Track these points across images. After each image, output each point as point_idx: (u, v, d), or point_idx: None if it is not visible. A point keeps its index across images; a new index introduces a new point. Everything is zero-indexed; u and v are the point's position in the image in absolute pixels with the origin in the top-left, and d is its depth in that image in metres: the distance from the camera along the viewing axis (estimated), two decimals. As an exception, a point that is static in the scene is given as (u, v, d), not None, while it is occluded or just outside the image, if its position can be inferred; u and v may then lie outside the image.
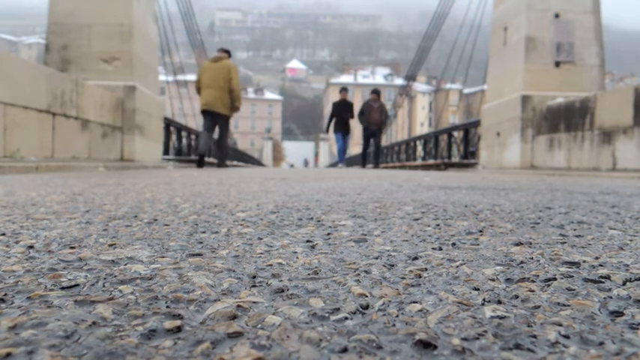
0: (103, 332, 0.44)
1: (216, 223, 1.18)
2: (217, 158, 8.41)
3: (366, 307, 0.53)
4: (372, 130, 11.48)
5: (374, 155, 12.16)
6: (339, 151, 12.26)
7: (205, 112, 7.70)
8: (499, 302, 0.55)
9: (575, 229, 1.14)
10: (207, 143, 7.92)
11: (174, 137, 11.48)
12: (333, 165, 33.03)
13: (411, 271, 0.71)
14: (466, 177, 4.72)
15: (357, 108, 11.98)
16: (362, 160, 12.24)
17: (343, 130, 11.92)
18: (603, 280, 0.65)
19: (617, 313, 0.51)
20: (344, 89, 12.02)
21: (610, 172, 5.46)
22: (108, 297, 0.55)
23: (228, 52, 8.01)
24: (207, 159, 8.99)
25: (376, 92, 11.74)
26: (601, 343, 0.43)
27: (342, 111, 11.62)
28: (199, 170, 6.43)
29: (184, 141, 12.54)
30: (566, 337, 0.44)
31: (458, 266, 0.74)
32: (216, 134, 8.27)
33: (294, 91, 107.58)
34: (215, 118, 7.74)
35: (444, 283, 0.64)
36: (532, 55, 7.72)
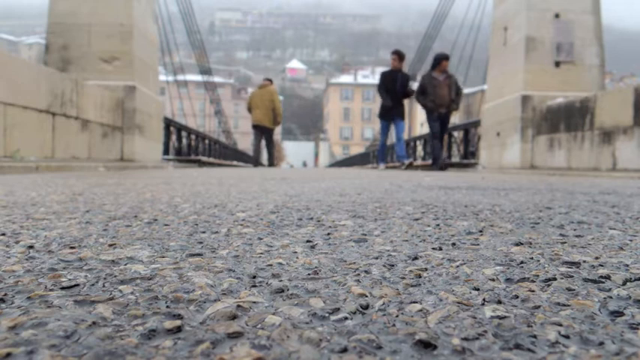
0: (103, 332, 0.44)
1: (216, 223, 1.18)
2: (268, 160, 11.01)
3: (366, 307, 0.53)
4: (441, 115, 8.05)
5: (437, 149, 8.42)
6: (398, 145, 8.61)
7: (256, 127, 10.16)
8: (499, 302, 0.55)
9: (575, 229, 1.14)
10: (258, 149, 10.41)
11: (174, 137, 11.48)
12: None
13: (411, 271, 0.71)
14: (466, 177, 4.72)
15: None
16: (433, 154, 8.48)
17: (398, 113, 8.49)
18: (603, 280, 0.65)
19: (617, 313, 0.51)
20: (396, 53, 8.60)
21: (610, 172, 5.46)
22: (108, 297, 0.55)
23: (270, 81, 10.49)
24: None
25: (445, 58, 8.08)
26: (601, 343, 0.43)
27: (395, 84, 8.35)
28: (199, 170, 6.48)
29: (184, 141, 12.54)
30: (566, 337, 0.44)
31: (458, 266, 0.74)
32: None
33: (294, 91, 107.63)
34: (262, 131, 10.16)
35: (444, 283, 0.64)
36: (532, 55, 7.72)
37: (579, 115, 6.58)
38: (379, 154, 9.41)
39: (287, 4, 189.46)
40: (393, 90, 8.46)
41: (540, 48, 7.73)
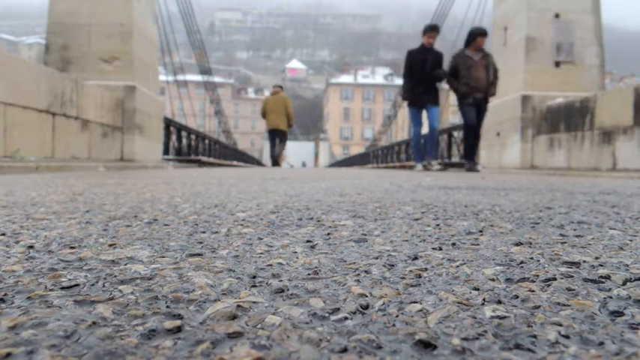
0: (103, 332, 0.44)
1: (216, 223, 1.18)
2: (274, 158, 11.82)
3: (366, 307, 0.53)
4: (477, 100, 6.71)
5: (470, 145, 7.04)
6: (419, 137, 7.37)
7: (271, 130, 11.17)
8: (499, 302, 0.55)
9: (575, 229, 1.14)
10: (274, 149, 11.39)
11: (174, 137, 11.49)
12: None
13: (411, 271, 0.71)
14: (466, 177, 4.72)
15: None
16: (465, 152, 7.16)
17: (431, 98, 7.18)
18: (603, 280, 0.65)
19: (617, 313, 0.51)
20: (432, 28, 7.22)
21: (610, 172, 5.46)
22: (108, 297, 0.55)
23: (281, 87, 11.55)
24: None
25: (482, 33, 6.75)
26: (601, 343, 0.43)
27: (424, 65, 7.04)
28: (199, 170, 6.49)
29: (184, 141, 12.55)
30: (566, 337, 0.44)
31: (458, 266, 0.74)
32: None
33: (294, 91, 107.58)
34: (276, 133, 11.14)
35: (444, 283, 0.64)
36: (532, 55, 7.72)
37: (579, 115, 6.58)
38: (414, 150, 7.66)
39: (287, 4, 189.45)
40: (423, 72, 7.08)
41: (540, 48, 7.73)
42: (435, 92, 7.29)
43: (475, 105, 6.72)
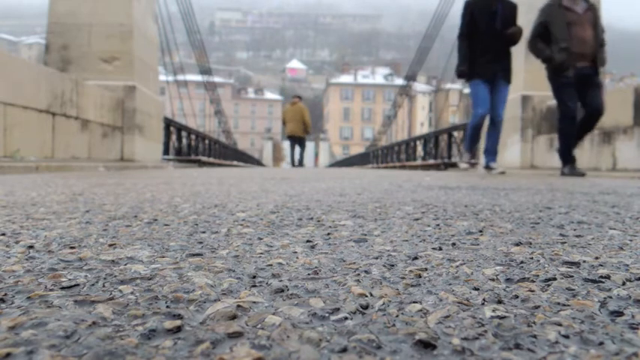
0: (103, 332, 0.44)
1: (216, 223, 1.18)
2: (299, 161, 13.27)
3: (366, 307, 0.53)
4: (582, 73, 4.57)
5: (569, 136, 4.85)
6: (477, 123, 5.30)
7: (290, 137, 12.84)
8: (499, 302, 0.55)
9: (575, 229, 1.14)
10: (293, 153, 13.00)
11: (174, 137, 11.49)
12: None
13: (411, 271, 0.71)
14: (466, 177, 4.72)
15: None
16: (563, 145, 4.93)
17: (502, 69, 5.23)
18: (603, 280, 0.65)
19: (617, 313, 0.51)
20: None
21: (610, 172, 5.46)
22: (108, 297, 0.55)
23: (300, 97, 13.20)
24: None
25: None
26: (601, 343, 0.43)
27: (493, 19, 5.09)
28: (199, 170, 6.51)
29: (184, 141, 12.56)
30: (566, 337, 0.44)
31: (458, 266, 0.74)
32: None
33: (294, 91, 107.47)
34: (296, 139, 12.81)
35: (444, 283, 0.64)
36: (532, 56, 7.72)
37: (579, 115, 6.57)
38: (468, 139, 5.52)
39: (287, 4, 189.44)
40: (491, 29, 5.06)
41: (540, 48, 7.71)
42: (508, 62, 5.27)
43: (579, 81, 4.52)
